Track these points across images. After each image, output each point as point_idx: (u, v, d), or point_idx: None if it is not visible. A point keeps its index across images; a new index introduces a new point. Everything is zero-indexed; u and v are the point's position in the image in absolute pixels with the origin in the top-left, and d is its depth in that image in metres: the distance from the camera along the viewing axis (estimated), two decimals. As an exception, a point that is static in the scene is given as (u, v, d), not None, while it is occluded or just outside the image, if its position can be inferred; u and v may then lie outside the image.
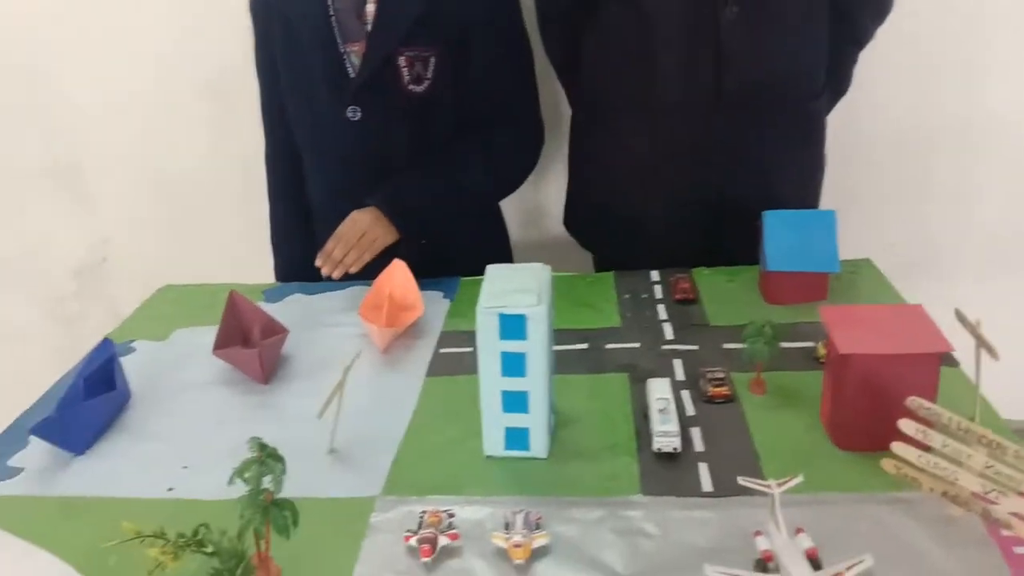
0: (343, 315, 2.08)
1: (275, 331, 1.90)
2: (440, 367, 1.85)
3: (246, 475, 1.24)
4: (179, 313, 2.16)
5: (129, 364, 1.87)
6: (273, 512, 1.24)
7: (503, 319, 1.42)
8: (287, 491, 1.25)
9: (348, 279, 2.24)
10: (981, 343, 1.40)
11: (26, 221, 3.25)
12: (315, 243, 2.44)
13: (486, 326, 1.44)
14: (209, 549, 1.26)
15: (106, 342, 1.80)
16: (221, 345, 1.86)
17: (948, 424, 1.25)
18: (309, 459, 1.54)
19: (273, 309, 2.07)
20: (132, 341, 2.04)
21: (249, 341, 1.89)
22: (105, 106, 3.04)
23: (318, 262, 2.10)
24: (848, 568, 1.19)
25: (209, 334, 1.89)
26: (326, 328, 2.03)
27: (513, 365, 1.46)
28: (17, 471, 1.61)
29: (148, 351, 2.00)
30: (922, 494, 1.33)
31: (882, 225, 2.85)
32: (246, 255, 2.55)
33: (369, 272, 2.09)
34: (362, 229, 2.10)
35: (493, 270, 1.55)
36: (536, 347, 1.44)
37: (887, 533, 1.29)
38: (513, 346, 1.44)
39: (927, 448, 1.28)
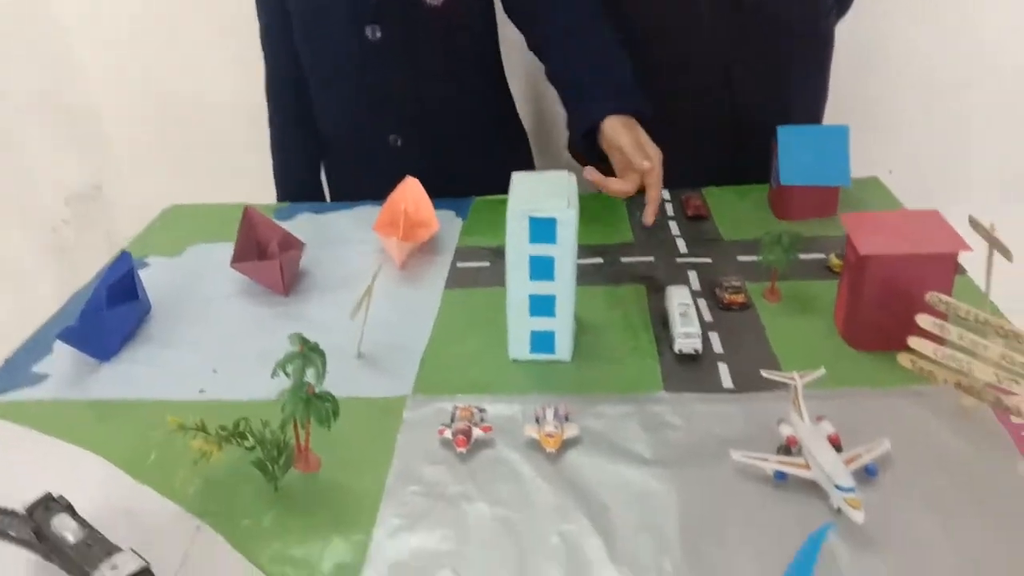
0: (356, 232, 2.08)
1: (292, 245, 1.91)
2: (458, 280, 1.88)
3: (288, 368, 1.26)
4: (190, 230, 2.16)
5: (146, 278, 1.87)
6: (315, 404, 1.27)
7: (533, 223, 1.44)
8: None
9: (357, 199, 2.25)
10: (995, 245, 1.45)
11: (20, 151, 3.19)
12: (328, 179, 2.44)
13: (516, 230, 1.46)
14: (250, 442, 1.30)
15: (125, 255, 1.80)
16: (239, 259, 1.86)
17: (966, 317, 1.30)
18: (338, 362, 1.53)
19: (285, 227, 2.06)
20: (145, 257, 2.04)
21: (267, 255, 1.89)
22: (102, 32, 2.97)
23: (649, 221, 1.78)
24: (867, 451, 1.25)
25: (223, 250, 1.89)
26: (341, 244, 2.04)
27: (542, 269, 1.48)
28: (43, 377, 1.62)
29: (163, 266, 2.00)
30: (936, 387, 1.39)
31: (886, 151, 2.88)
32: (249, 189, 2.51)
33: (377, 192, 2.09)
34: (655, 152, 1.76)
35: (519, 176, 1.57)
36: (565, 251, 1.47)
37: (902, 423, 1.35)
38: (542, 250, 1.47)
39: (943, 342, 1.34)
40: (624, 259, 1.92)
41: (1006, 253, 1.45)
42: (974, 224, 1.51)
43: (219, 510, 1.27)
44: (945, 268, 1.43)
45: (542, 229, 1.44)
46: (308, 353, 1.27)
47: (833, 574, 1.09)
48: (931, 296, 1.33)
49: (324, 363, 1.28)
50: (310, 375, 1.27)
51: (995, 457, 1.27)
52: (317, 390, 1.28)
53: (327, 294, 1.83)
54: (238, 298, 1.84)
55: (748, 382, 1.47)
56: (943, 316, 1.34)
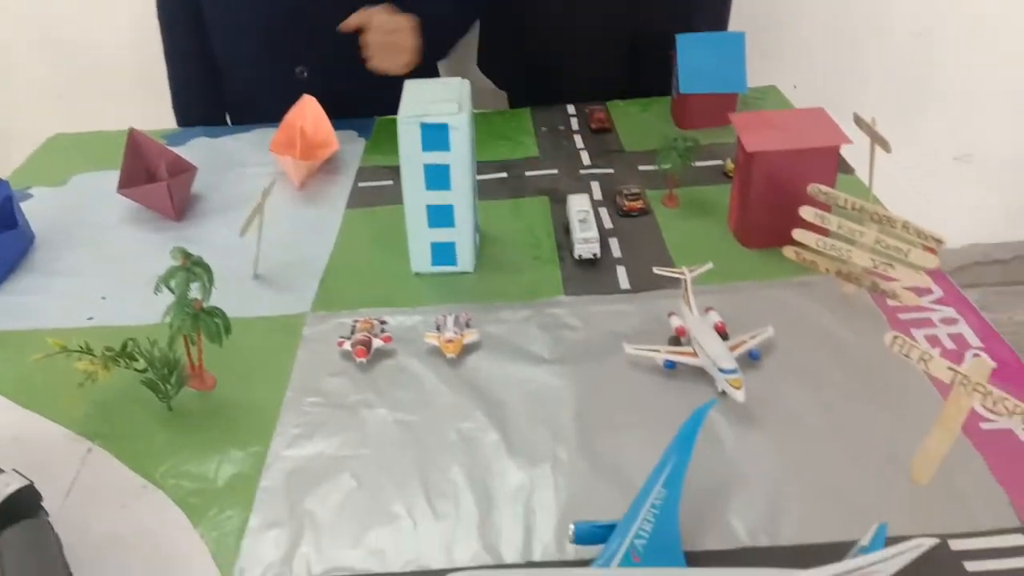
0: (253, 155, 2.01)
1: (182, 168, 1.83)
2: (360, 200, 1.84)
3: (172, 282, 1.23)
4: (75, 159, 2.05)
5: (28, 209, 1.77)
6: (203, 319, 1.24)
7: (425, 129, 1.42)
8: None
9: (255, 122, 2.17)
10: (875, 138, 1.50)
11: None
12: (229, 111, 2.32)
13: (408, 137, 1.43)
14: (140, 364, 1.27)
15: (2, 183, 1.70)
16: (126, 184, 1.78)
17: (844, 205, 1.35)
18: (235, 284, 1.52)
19: (177, 152, 1.98)
20: (28, 188, 1.93)
21: (155, 179, 1.81)
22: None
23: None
24: (752, 337, 1.31)
25: (110, 178, 1.80)
26: (236, 168, 1.97)
27: (437, 178, 1.47)
28: (-80, 312, 1.53)
29: (47, 196, 1.90)
30: (819, 276, 1.45)
31: (788, 67, 2.93)
32: (142, 122, 2.38)
33: (276, 114, 2.01)
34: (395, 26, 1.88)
35: (411, 84, 1.53)
36: (459, 158, 1.45)
37: (787, 311, 1.41)
38: (436, 157, 1.45)
39: (825, 232, 1.39)
40: (528, 173, 1.91)
41: (884, 145, 1.50)
42: (857, 120, 1.55)
43: (111, 432, 1.24)
44: (828, 162, 1.48)
45: (434, 136, 1.42)
46: (192, 267, 1.23)
47: (717, 449, 1.14)
48: (812, 187, 1.38)
49: (210, 278, 1.25)
50: (196, 290, 1.24)
51: (870, 336, 1.33)
52: (205, 305, 1.24)
53: (221, 217, 1.77)
54: (127, 225, 1.77)
55: (644, 283, 1.51)
56: (826, 208, 1.39)
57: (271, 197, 1.60)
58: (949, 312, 1.38)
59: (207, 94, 2.28)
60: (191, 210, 1.82)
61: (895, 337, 1.04)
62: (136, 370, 1.27)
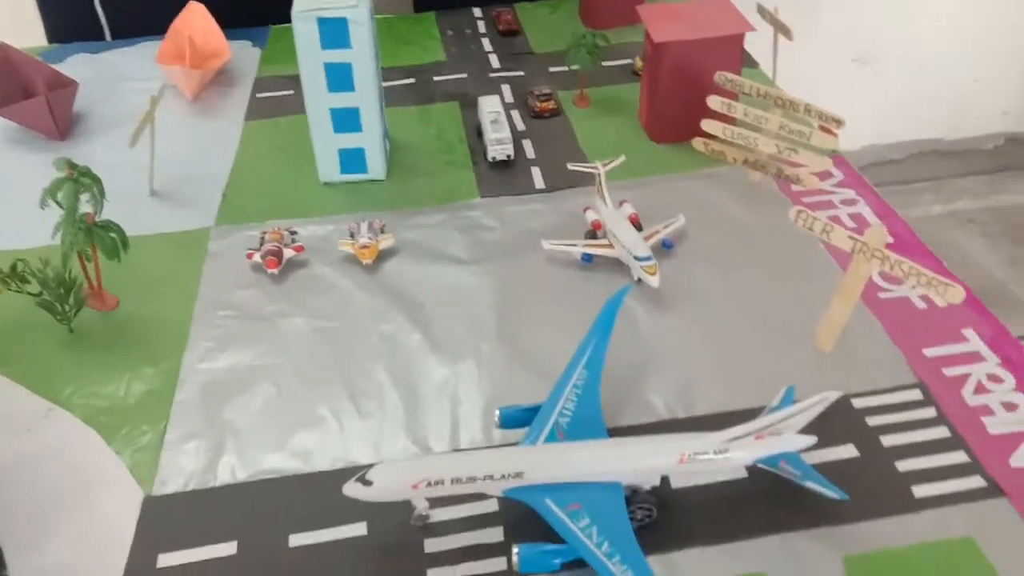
0: (139, 68, 1.88)
1: (62, 84, 1.69)
2: (259, 111, 1.75)
3: (59, 194, 1.14)
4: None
5: None
6: (97, 233, 1.16)
7: (323, 24, 1.34)
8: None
9: (138, 34, 2.02)
10: (778, 27, 1.52)
11: None
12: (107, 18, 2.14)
13: (305, 35, 1.35)
14: (34, 287, 1.19)
15: None
16: (1, 103, 1.63)
17: (749, 92, 1.37)
18: (130, 202, 1.43)
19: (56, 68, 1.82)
20: None
21: (33, 95, 1.67)
22: None
23: None
24: (664, 227, 1.33)
25: (-18, 100, 1.66)
26: (121, 83, 1.83)
27: (339, 78, 1.40)
28: None
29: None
30: (727, 167, 1.48)
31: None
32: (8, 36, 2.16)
33: (161, 26, 1.87)
34: None
35: (306, -21, 1.44)
36: (362, 56, 1.39)
37: (697, 201, 1.43)
38: (337, 56, 1.38)
39: (732, 121, 1.41)
40: (436, 78, 1.86)
41: (787, 33, 1.52)
42: (760, 10, 1.57)
43: (8, 357, 1.16)
44: (733, 50, 1.49)
45: (333, 32, 1.35)
46: (79, 178, 1.15)
47: (634, 334, 1.17)
48: (719, 76, 1.39)
49: (101, 189, 1.17)
50: (86, 203, 1.16)
51: (776, 220, 1.37)
52: (98, 219, 1.17)
53: (110, 134, 1.66)
54: (6, 147, 1.64)
55: (559, 181, 1.50)
56: (732, 96, 1.40)
57: (162, 111, 1.50)
58: (849, 194, 1.43)
59: (78, 4, 2.09)
60: (75, 129, 1.69)
61: (799, 211, 1.07)
62: (30, 294, 1.19)
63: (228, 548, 0.91)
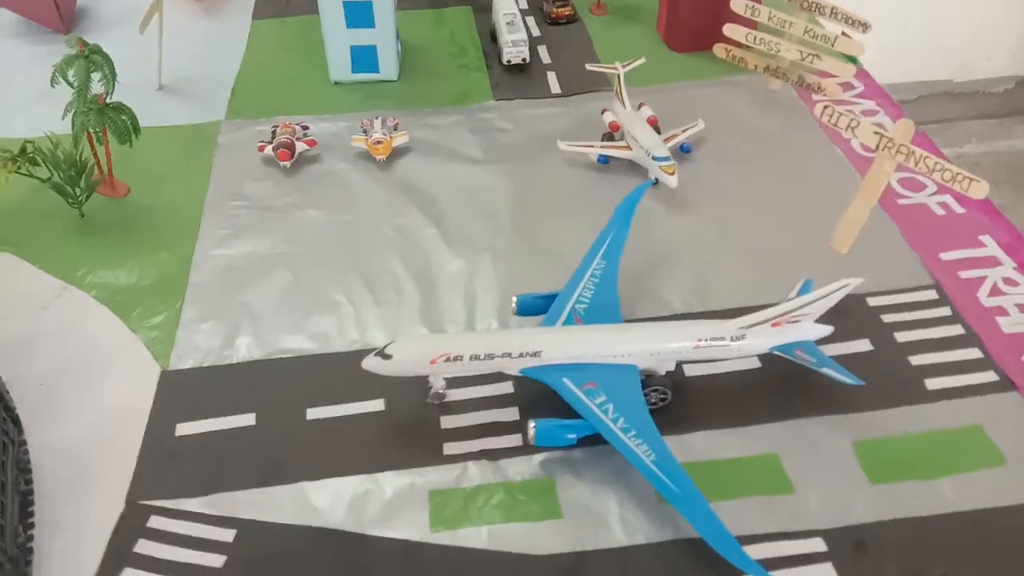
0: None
1: (65, -26, 1.64)
2: (267, 10, 1.71)
3: (70, 72, 1.12)
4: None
5: None
6: (109, 115, 1.14)
7: (338, -89, 1.30)
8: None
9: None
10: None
11: None
12: None
13: (319, -77, 1.31)
14: (43, 173, 1.17)
15: None
16: (3, -7, 1.59)
17: (775, -6, 1.34)
18: (139, 94, 1.39)
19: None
20: None
21: (36, -14, 1.62)
22: None
23: None
24: (683, 131, 1.31)
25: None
26: (126, -23, 1.78)
27: (353, -30, 1.36)
28: None
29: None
30: (746, 76, 1.45)
31: None
32: None
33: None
34: None
35: None
36: (376, -54, 1.35)
37: (716, 108, 1.41)
38: (351, -53, 1.34)
39: (754, 25, 1.38)
40: (449, -22, 1.81)
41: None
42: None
43: (20, 239, 1.16)
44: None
45: (349, -81, 1.30)
46: (90, 55, 1.12)
47: (649, 232, 1.16)
48: (744, -23, 1.35)
49: (112, 70, 1.15)
50: (97, 83, 1.14)
51: (795, 126, 1.36)
52: (109, 100, 1.15)
53: (116, 30, 1.61)
54: (9, 40, 1.60)
55: (575, 86, 1.47)
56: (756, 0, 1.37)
57: (170, 9, 1.46)
58: (870, 105, 1.41)
59: None
60: (81, 24, 1.65)
61: (825, 106, 1.06)
62: (40, 179, 1.18)
63: (246, 419, 0.92)
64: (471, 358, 0.88)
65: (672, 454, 0.82)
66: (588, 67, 1.39)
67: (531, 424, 0.86)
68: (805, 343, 0.91)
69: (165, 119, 1.39)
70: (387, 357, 0.87)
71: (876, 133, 1.02)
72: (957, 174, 0.96)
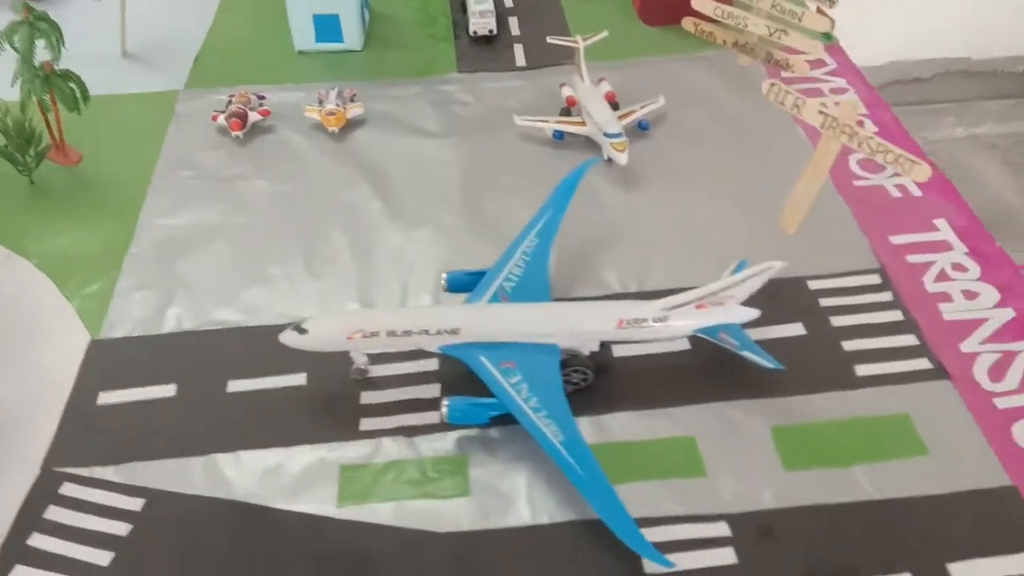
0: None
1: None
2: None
3: (15, 38, 1.12)
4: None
5: None
6: (55, 82, 1.14)
7: None
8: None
9: None
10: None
11: None
12: None
13: None
14: (-7, 138, 1.18)
15: None
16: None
17: (741, -33, 1.30)
18: (102, 62, 1.42)
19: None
20: None
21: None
22: None
23: None
24: (642, 107, 1.28)
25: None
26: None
27: (314, -64, 1.34)
28: None
29: None
30: (717, 51, 1.42)
31: None
32: None
33: None
34: None
35: None
36: (336, -87, 1.32)
37: (683, 84, 1.38)
38: (311, -88, 1.32)
39: (728, 1, 1.34)
40: (425, -50, 1.78)
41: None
42: None
43: (-33, 205, 1.17)
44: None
45: None
46: (35, 21, 1.12)
47: (598, 209, 1.15)
48: (712, -52, 1.31)
49: (60, 37, 1.14)
50: (43, 50, 1.13)
51: (761, 105, 1.31)
52: (57, 68, 1.15)
53: (79, -3, 1.61)
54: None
55: (542, 59, 1.45)
56: (724, -27, 1.33)
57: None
58: (840, 82, 1.37)
59: None
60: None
61: (772, 84, 1.03)
62: (-14, 147, 1.18)
63: (168, 390, 0.93)
64: (388, 334, 0.87)
65: (581, 436, 0.82)
66: (549, 40, 1.36)
67: (444, 401, 0.86)
68: (730, 326, 0.90)
69: (126, 87, 1.39)
70: (303, 332, 0.86)
71: (821, 112, 0.99)
72: (900, 156, 0.93)
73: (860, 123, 1.26)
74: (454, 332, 0.88)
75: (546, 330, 0.89)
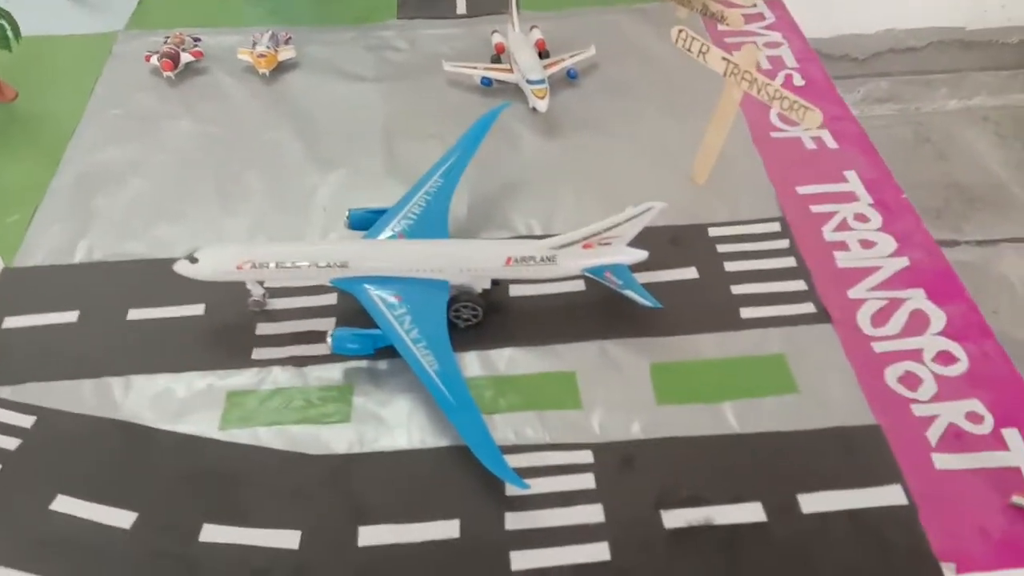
0: None
1: None
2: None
3: (-63, -27, 1.13)
4: None
5: None
6: (-17, 20, 1.16)
7: None
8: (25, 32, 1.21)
9: None
10: None
11: None
12: None
13: None
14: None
15: None
16: None
17: (677, -85, 1.29)
18: (44, 5, 1.43)
19: None
20: None
21: None
22: None
23: None
24: (571, 56, 1.29)
25: None
26: None
27: None
28: None
29: None
30: (656, 3, 1.41)
31: None
32: None
33: None
34: None
35: None
36: None
37: (618, 35, 1.38)
38: None
39: (663, -52, 1.34)
40: None
41: None
42: None
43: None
44: None
45: None
46: (-43, -44, 1.13)
47: (515, 155, 1.16)
48: None
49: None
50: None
51: (691, 58, 1.32)
52: (-13, 4, 1.16)
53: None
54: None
55: (483, 7, 1.45)
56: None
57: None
58: (775, 37, 1.37)
59: None
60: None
61: (680, 31, 1.03)
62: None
63: (70, 316, 0.95)
64: (277, 266, 0.89)
65: (457, 367, 0.84)
66: (482, -15, 1.36)
67: (329, 333, 0.88)
68: (617, 266, 0.91)
69: (68, 28, 1.40)
70: (194, 261, 0.89)
71: (723, 59, 0.99)
72: (795, 102, 0.93)
73: (783, 78, 1.27)
74: (343, 266, 0.90)
75: (434, 265, 0.90)
